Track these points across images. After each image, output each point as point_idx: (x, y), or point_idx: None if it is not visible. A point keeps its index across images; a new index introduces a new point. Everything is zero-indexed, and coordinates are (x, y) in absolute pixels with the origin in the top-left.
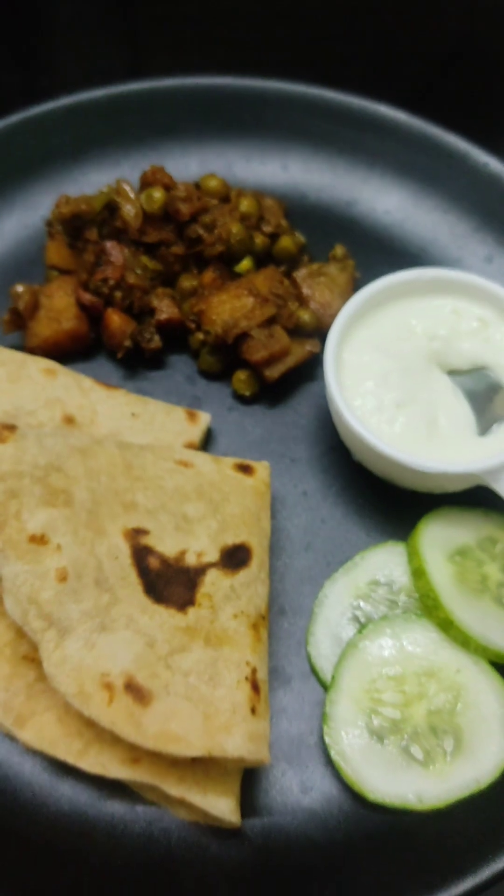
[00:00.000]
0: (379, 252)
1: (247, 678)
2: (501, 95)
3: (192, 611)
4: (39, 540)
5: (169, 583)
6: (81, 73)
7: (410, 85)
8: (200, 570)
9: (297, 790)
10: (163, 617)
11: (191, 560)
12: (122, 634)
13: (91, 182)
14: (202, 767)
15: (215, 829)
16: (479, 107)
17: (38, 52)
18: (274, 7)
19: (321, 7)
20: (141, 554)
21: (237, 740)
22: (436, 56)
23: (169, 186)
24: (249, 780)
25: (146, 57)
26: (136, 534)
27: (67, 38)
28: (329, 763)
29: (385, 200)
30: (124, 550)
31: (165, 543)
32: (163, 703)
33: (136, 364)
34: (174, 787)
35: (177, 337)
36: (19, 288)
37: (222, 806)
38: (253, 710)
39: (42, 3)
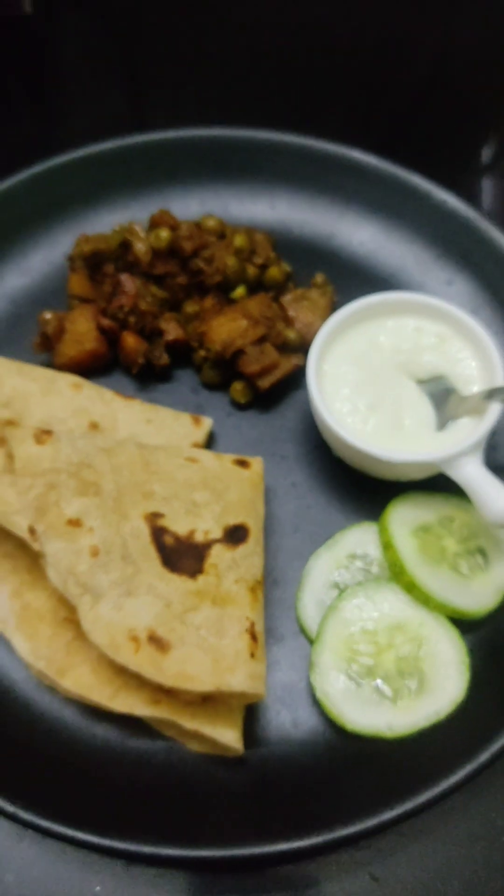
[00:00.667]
0: (355, 277)
1: (247, 630)
2: (462, 137)
3: (201, 578)
4: (75, 523)
5: (182, 556)
6: (89, 122)
7: (380, 131)
8: (207, 546)
9: (290, 726)
10: (177, 583)
11: (199, 537)
12: (144, 598)
13: (105, 222)
14: (211, 706)
15: (222, 759)
16: (441, 149)
17: (51, 105)
18: (261, 64)
19: (303, 65)
20: (158, 533)
21: (240, 678)
22: (404, 104)
23: (174, 226)
24: (250, 718)
25: (147, 107)
26: (154, 517)
27: (77, 90)
28: (315, 703)
29: (359, 233)
30: (144, 531)
31: (178, 524)
32: (179, 650)
33: (147, 378)
34: (188, 722)
35: (182, 354)
36: (47, 315)
37: (229, 736)
38: (252, 655)
39: (53, 60)
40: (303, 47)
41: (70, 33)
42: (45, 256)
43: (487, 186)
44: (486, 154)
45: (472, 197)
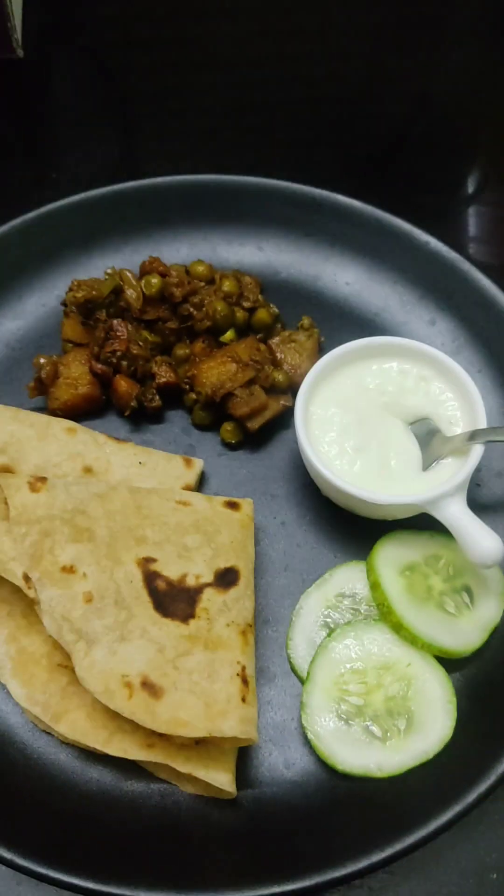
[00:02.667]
0: (340, 318)
1: (238, 674)
2: (447, 167)
3: (192, 622)
4: (69, 570)
5: (174, 600)
6: (82, 166)
7: (367, 164)
8: (199, 590)
9: (282, 766)
10: (169, 628)
11: (191, 581)
12: (137, 643)
13: (97, 266)
14: (204, 749)
15: (216, 800)
16: (427, 180)
17: (43, 148)
18: (247, 114)
19: (287, 114)
20: (151, 578)
21: (231, 723)
22: (389, 139)
23: (164, 273)
24: (243, 759)
25: (139, 150)
26: (146, 562)
27: (68, 134)
28: (307, 743)
29: (344, 274)
30: (137, 576)
31: (170, 569)
32: (172, 696)
33: (140, 419)
34: (182, 765)
35: (173, 396)
36: (42, 359)
37: (222, 779)
38: (243, 699)
39: (45, 104)
40: (288, 88)
41: (62, 78)
42: (40, 300)
43: (472, 214)
44: (471, 184)
45: (458, 225)
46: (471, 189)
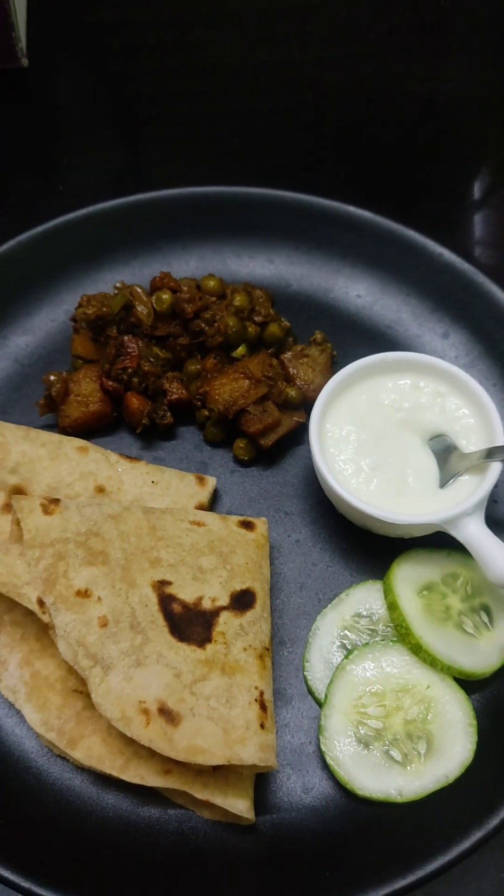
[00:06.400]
0: (353, 331)
1: (256, 700)
2: (454, 172)
3: (209, 646)
4: (84, 594)
5: (190, 624)
6: (88, 176)
7: (374, 171)
8: (215, 613)
9: (300, 791)
10: (186, 652)
11: (206, 605)
12: (153, 668)
13: (106, 280)
14: (222, 774)
15: (234, 826)
16: (434, 185)
17: (49, 158)
18: (252, 120)
19: (292, 120)
20: (166, 601)
21: (250, 750)
22: (396, 145)
23: (175, 289)
24: (260, 783)
25: (144, 158)
26: (161, 585)
27: (74, 144)
28: (325, 767)
29: (356, 286)
30: (152, 599)
31: (186, 591)
32: (189, 722)
33: (151, 436)
34: (200, 792)
35: (185, 413)
36: (52, 377)
37: (240, 806)
38: (262, 725)
39: (50, 113)
40: (293, 94)
41: (67, 87)
42: (48, 315)
43: (479, 220)
44: (478, 188)
45: (465, 230)
46: (478, 194)
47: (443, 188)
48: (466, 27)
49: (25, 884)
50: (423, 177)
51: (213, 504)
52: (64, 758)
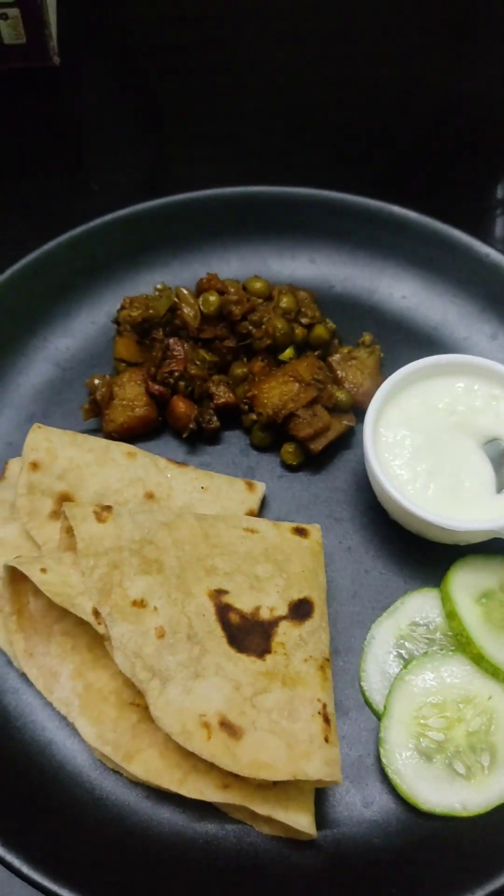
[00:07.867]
0: (398, 332)
1: (319, 712)
2: (476, 174)
3: (269, 657)
4: (140, 604)
5: (248, 634)
6: (121, 175)
7: (395, 171)
8: (273, 623)
9: (360, 805)
10: (245, 664)
11: (265, 614)
12: (212, 680)
13: (146, 281)
14: (282, 789)
15: (294, 841)
16: (456, 186)
17: (83, 158)
18: (277, 117)
19: (317, 118)
20: (223, 611)
21: (316, 765)
22: (418, 145)
23: (222, 291)
24: (319, 797)
25: (174, 155)
26: (218, 594)
27: (106, 142)
28: (386, 780)
29: (400, 287)
30: (209, 608)
31: (243, 601)
32: (252, 736)
33: (197, 441)
34: (260, 807)
35: (231, 417)
36: (97, 380)
37: (302, 821)
38: (326, 739)
39: (82, 111)
40: (319, 91)
41: (94, 84)
42: (89, 317)
43: (501, 222)
44: (501, 191)
45: (487, 230)
46: (501, 194)
47: (465, 188)
48: (490, 24)
49: None
50: (446, 177)
51: (261, 510)
52: (117, 772)
